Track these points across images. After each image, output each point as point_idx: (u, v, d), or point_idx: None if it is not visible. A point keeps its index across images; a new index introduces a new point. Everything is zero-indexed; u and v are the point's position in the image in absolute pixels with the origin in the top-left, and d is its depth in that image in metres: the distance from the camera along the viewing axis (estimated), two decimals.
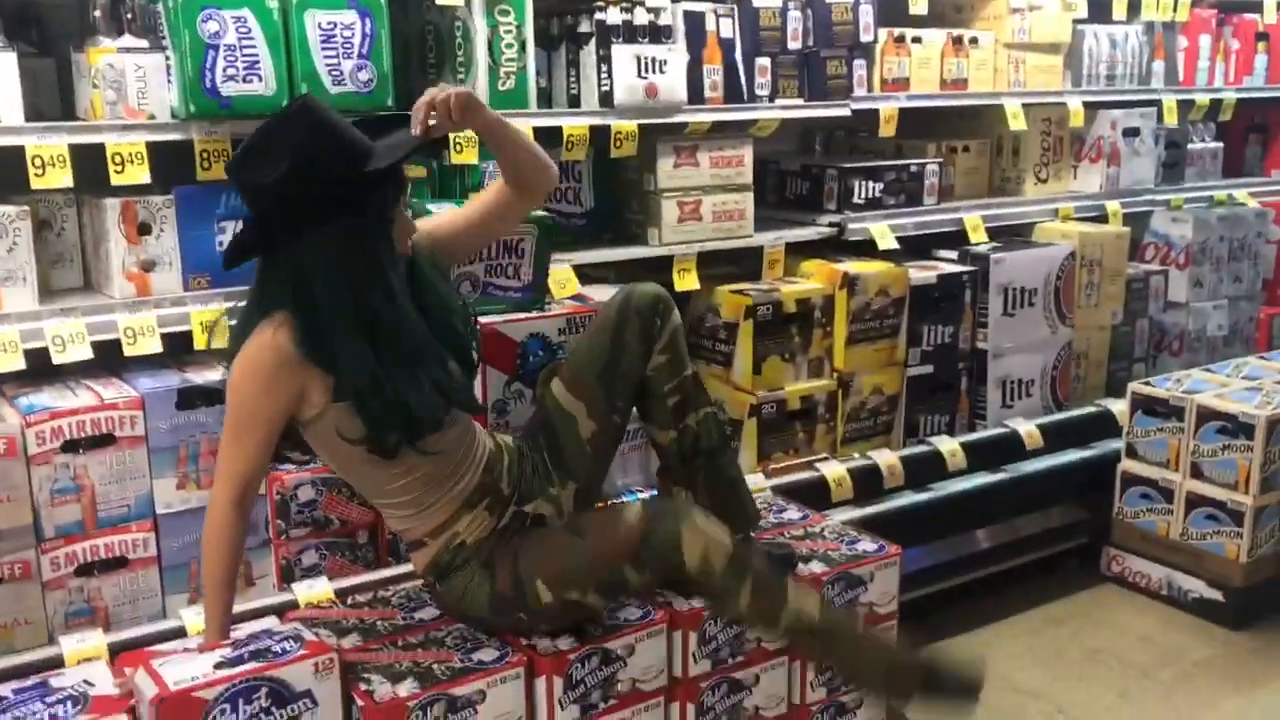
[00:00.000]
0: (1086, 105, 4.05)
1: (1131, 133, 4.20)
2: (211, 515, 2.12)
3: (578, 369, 2.43)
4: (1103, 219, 4.15)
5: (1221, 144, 4.67)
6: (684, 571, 2.17)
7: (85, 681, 2.05)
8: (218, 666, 1.95)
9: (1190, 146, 4.51)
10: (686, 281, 3.22)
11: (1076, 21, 4.02)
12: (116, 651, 2.21)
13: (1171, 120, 4.33)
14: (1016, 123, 3.85)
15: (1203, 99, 4.42)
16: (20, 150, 2.35)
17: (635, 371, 2.42)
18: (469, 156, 2.86)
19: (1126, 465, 3.72)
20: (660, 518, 2.19)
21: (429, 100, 2.12)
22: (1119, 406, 3.82)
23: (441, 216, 2.44)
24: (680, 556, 2.15)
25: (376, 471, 2.21)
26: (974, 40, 3.80)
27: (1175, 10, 4.25)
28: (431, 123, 2.13)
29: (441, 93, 2.12)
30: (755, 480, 3.15)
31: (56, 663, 2.21)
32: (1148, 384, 3.72)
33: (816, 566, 2.52)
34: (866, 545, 2.64)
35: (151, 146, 2.47)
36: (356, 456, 2.17)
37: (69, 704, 1.97)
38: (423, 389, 2.12)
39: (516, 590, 2.21)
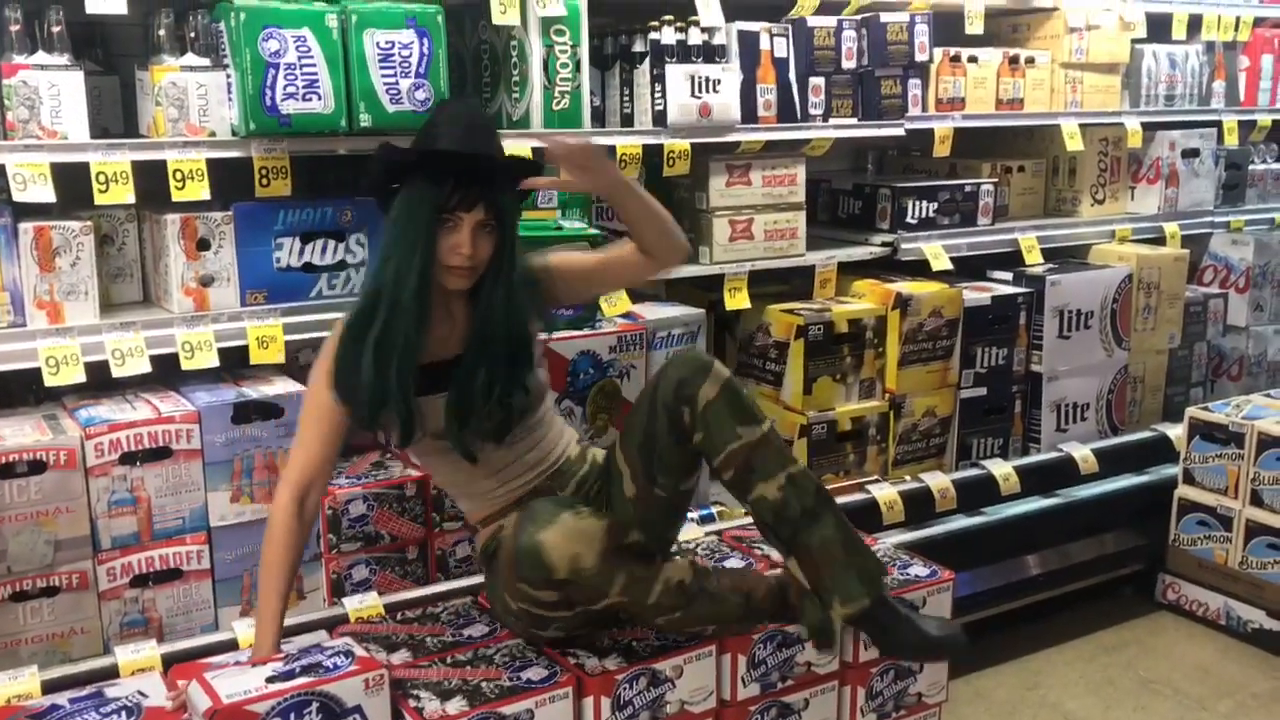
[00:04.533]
0: (1145, 126, 4.00)
1: (1191, 154, 4.14)
2: (270, 516, 2.16)
3: (627, 433, 2.31)
4: (1160, 241, 4.09)
5: None
6: (558, 579, 2.04)
7: (140, 692, 2.07)
8: (270, 680, 1.95)
9: (1251, 168, 4.44)
10: (737, 300, 3.21)
11: (1135, 41, 3.97)
12: (169, 662, 2.23)
13: (1232, 141, 4.28)
14: (1073, 143, 3.81)
15: (1265, 119, 4.36)
16: (85, 167, 2.39)
17: (674, 455, 2.24)
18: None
19: (1183, 492, 3.65)
20: (518, 533, 2.08)
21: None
22: (1176, 432, 3.75)
23: (570, 255, 2.40)
24: (547, 568, 2.04)
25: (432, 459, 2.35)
26: (1030, 60, 3.77)
27: (1237, 29, 4.20)
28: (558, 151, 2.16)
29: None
30: None
31: (111, 673, 2.23)
32: (1206, 409, 3.65)
33: None
34: (919, 570, 2.61)
35: (212, 163, 2.50)
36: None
37: (123, 714, 1.99)
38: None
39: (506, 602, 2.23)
